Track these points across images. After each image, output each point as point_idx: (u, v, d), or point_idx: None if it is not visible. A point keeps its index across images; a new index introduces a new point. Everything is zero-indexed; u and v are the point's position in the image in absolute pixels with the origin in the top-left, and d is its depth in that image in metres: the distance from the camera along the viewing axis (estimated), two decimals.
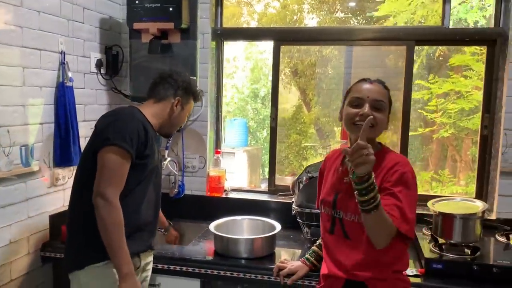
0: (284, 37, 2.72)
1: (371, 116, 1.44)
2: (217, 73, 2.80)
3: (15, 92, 1.96)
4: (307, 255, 1.87)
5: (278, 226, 2.17)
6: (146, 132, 1.68)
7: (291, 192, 2.48)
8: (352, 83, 1.62)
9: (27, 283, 2.08)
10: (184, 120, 1.94)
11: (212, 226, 2.16)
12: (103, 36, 2.56)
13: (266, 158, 5.45)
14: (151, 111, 1.81)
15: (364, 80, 1.55)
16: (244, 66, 7.34)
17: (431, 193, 3.62)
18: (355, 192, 1.35)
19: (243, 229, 2.30)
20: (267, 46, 5.49)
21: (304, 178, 2.26)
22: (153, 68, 2.47)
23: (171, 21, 2.35)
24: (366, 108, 1.47)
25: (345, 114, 1.53)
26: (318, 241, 1.85)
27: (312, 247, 1.90)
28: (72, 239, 1.73)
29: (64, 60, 2.22)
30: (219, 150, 2.77)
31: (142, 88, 2.49)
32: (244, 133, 5.84)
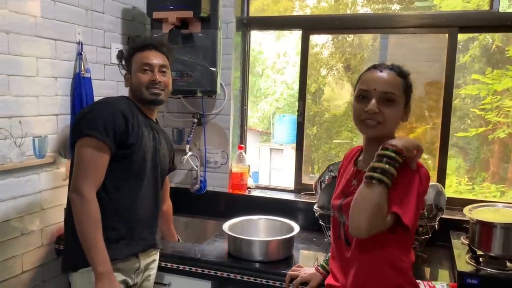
0: (313, 25, 2.54)
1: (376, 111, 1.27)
2: (242, 65, 2.67)
3: (27, 82, 1.93)
4: (322, 262, 1.71)
5: (296, 228, 2.02)
6: (126, 119, 1.58)
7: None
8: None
9: (40, 276, 2.06)
10: (139, 77, 1.69)
11: (226, 225, 2.04)
12: (126, 27, 2.51)
13: (316, 155, 5.31)
14: (130, 95, 1.75)
15: (374, 67, 1.35)
16: (294, 62, 7.20)
17: (480, 197, 3.30)
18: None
19: (259, 229, 2.16)
20: (320, 39, 5.30)
21: (327, 177, 2.09)
22: (175, 60, 2.38)
23: (190, 10, 2.25)
24: (371, 104, 1.27)
25: (352, 110, 1.36)
26: None
27: (329, 254, 1.72)
28: (67, 239, 1.67)
29: (82, 50, 2.18)
30: (242, 145, 2.64)
31: None
32: (293, 130, 5.74)
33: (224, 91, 2.53)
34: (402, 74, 1.33)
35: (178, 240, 2.17)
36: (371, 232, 1.18)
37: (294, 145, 5.28)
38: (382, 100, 1.28)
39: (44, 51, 2.00)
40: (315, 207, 2.13)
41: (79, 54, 2.18)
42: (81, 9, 2.19)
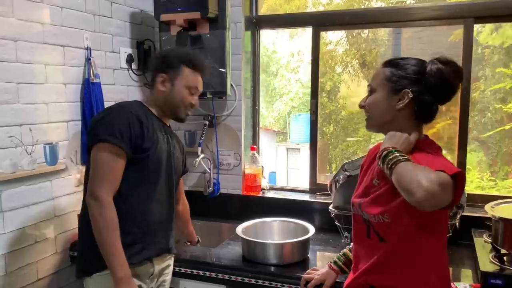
0: (324, 21, 2.49)
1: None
2: (252, 65, 2.64)
3: (36, 89, 1.93)
4: (335, 258, 1.65)
5: (311, 230, 1.97)
6: (141, 123, 1.56)
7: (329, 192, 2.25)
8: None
9: (55, 282, 2.06)
10: (184, 95, 1.68)
11: (239, 228, 2.01)
12: (134, 31, 2.50)
13: (333, 153, 5.25)
14: (150, 102, 1.71)
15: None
16: (309, 60, 7.11)
17: (503, 192, 3.18)
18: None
19: (273, 232, 2.12)
20: (334, 36, 5.23)
21: (341, 177, 2.03)
22: None
23: (197, 11, 2.23)
24: (361, 101, 1.39)
25: None
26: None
27: (344, 250, 1.67)
28: (81, 243, 1.66)
29: (90, 56, 2.17)
30: (255, 146, 2.60)
31: None
32: (309, 129, 5.71)
33: (234, 92, 2.49)
34: (388, 63, 1.34)
35: (198, 240, 2.13)
36: (436, 193, 1.06)
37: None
38: (368, 95, 1.36)
39: (53, 58, 2.00)
40: (330, 207, 2.08)
41: (88, 59, 2.17)
42: (89, 14, 2.18)
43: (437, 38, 2.64)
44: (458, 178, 1.11)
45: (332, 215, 2.10)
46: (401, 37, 2.64)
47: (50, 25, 1.98)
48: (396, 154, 1.19)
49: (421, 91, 1.28)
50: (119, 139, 1.50)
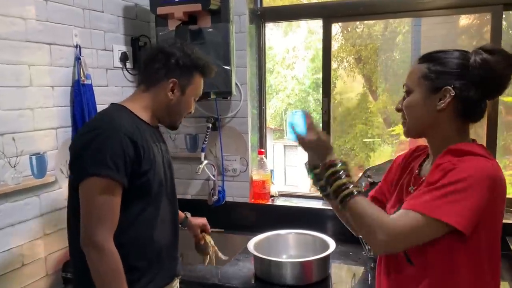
0: (335, 12, 2.28)
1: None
2: (258, 61, 2.43)
3: (20, 93, 1.71)
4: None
5: (331, 244, 1.77)
6: (135, 145, 1.29)
7: None
8: None
9: None
10: (191, 106, 1.47)
11: (251, 244, 1.81)
12: (128, 26, 2.28)
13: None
14: (141, 104, 1.40)
15: None
16: (304, 56, 7.01)
17: None
18: None
19: (289, 246, 1.92)
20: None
21: (363, 184, 1.83)
22: None
23: (197, 2, 2.01)
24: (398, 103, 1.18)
25: None
26: None
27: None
28: (74, 261, 1.42)
29: (80, 54, 1.96)
30: (262, 150, 2.39)
31: None
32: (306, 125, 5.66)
33: (239, 91, 2.28)
34: (424, 58, 1.14)
35: (186, 216, 1.77)
36: (394, 246, 1.04)
37: None
38: (404, 96, 1.17)
39: (37, 58, 1.78)
40: None
41: (78, 58, 1.95)
42: (77, 8, 1.96)
43: (459, 30, 2.45)
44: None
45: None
46: (421, 29, 2.43)
47: (34, 20, 1.76)
48: (347, 184, 1.08)
49: (465, 87, 1.08)
50: (113, 170, 1.23)
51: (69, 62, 1.93)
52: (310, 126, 1.17)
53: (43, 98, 1.81)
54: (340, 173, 1.10)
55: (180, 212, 1.71)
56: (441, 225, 0.99)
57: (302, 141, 1.18)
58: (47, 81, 1.83)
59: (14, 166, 1.68)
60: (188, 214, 1.77)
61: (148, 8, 2.18)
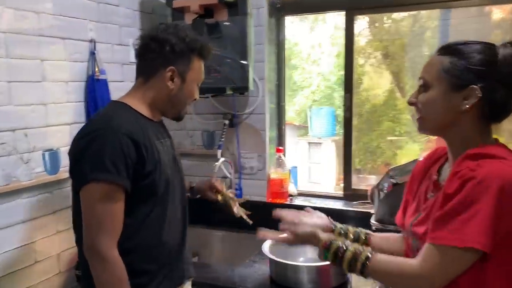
0: (358, 4, 2.17)
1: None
2: (277, 56, 2.35)
3: (32, 89, 1.69)
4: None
5: None
6: (136, 145, 1.21)
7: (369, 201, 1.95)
8: None
9: None
10: (194, 92, 1.37)
11: (266, 245, 1.74)
12: (144, 20, 2.23)
13: (356, 147, 5.02)
14: (141, 98, 1.32)
15: None
16: (330, 52, 6.93)
17: None
18: None
19: (306, 250, 1.83)
20: (356, 27, 4.94)
21: (386, 185, 1.73)
22: None
23: None
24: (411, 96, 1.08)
25: None
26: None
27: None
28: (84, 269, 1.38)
29: (95, 49, 1.92)
30: (281, 148, 2.31)
31: None
32: (331, 122, 5.65)
33: (257, 87, 2.21)
34: (446, 49, 1.03)
35: (191, 186, 1.70)
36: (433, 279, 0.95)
37: (333, 138, 4.98)
38: (419, 89, 1.08)
39: (51, 52, 1.75)
40: (372, 220, 1.79)
41: (92, 53, 1.92)
42: (92, 2, 1.93)
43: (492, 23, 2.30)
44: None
45: (374, 228, 1.81)
46: (450, 23, 2.30)
47: (47, 14, 1.73)
48: (355, 254, 1.03)
49: (493, 87, 0.97)
50: (113, 173, 1.15)
51: (83, 56, 1.90)
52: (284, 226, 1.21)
53: (57, 93, 1.78)
54: (341, 247, 1.05)
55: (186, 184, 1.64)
56: (474, 251, 0.90)
57: (290, 242, 1.20)
58: (61, 76, 1.80)
59: (27, 162, 1.66)
60: (194, 184, 1.70)
61: (165, 1, 2.13)
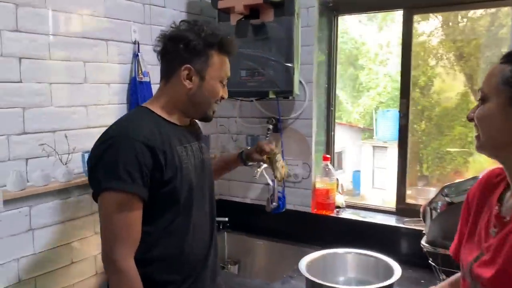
0: (418, 2, 1.98)
1: None
2: (327, 58, 2.21)
3: (73, 90, 1.70)
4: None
5: (397, 270, 1.52)
6: (152, 151, 1.15)
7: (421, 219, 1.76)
8: None
9: None
10: (217, 90, 1.28)
11: (303, 263, 1.61)
12: None
13: (425, 152, 4.73)
14: (162, 102, 1.27)
15: None
16: (398, 52, 6.67)
17: None
18: None
19: (347, 267, 1.70)
20: (427, 27, 4.66)
21: (440, 204, 1.55)
22: (244, 56, 2.01)
23: None
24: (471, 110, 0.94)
25: None
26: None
27: None
28: None
29: (138, 51, 1.91)
30: (328, 156, 2.17)
31: (231, 80, 2.05)
32: (398, 126, 5.48)
33: (304, 91, 2.09)
34: (509, 57, 0.87)
35: (241, 154, 1.64)
36: None
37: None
38: (478, 102, 0.93)
39: (93, 54, 1.76)
40: (423, 242, 1.60)
41: (135, 55, 1.91)
42: (137, 3, 1.92)
43: None
44: None
45: (424, 250, 1.62)
46: None
47: (90, 16, 1.73)
48: None
49: None
50: (127, 182, 1.11)
51: (126, 58, 1.89)
52: None
53: (98, 95, 1.79)
54: None
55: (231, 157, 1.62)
56: None
57: None
58: (103, 78, 1.80)
59: (66, 164, 1.67)
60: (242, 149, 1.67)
61: (210, 2, 2.08)
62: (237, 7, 1.93)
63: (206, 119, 1.34)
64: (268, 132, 2.14)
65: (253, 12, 1.97)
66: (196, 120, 1.44)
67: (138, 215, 1.16)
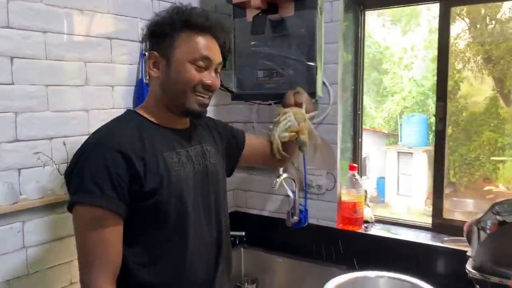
0: None
1: None
2: (354, 57, 2.01)
3: (73, 93, 1.54)
4: None
5: None
6: (127, 160, 1.00)
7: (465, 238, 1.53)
8: None
9: None
10: (189, 74, 1.08)
11: (330, 286, 1.41)
12: None
13: (451, 158, 4.51)
14: (146, 102, 1.16)
15: None
16: (424, 56, 6.52)
17: None
18: None
19: None
20: (453, 29, 4.45)
21: (489, 223, 1.32)
22: (261, 55, 1.83)
23: None
24: None
25: None
26: None
27: None
28: None
29: (146, 50, 1.75)
30: (355, 165, 1.96)
31: (247, 82, 1.89)
32: (424, 131, 5.34)
33: (328, 93, 1.89)
34: None
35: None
36: None
37: (425, 148, 4.54)
38: None
39: (96, 54, 1.60)
40: (468, 267, 1.38)
41: (143, 55, 1.74)
42: None
43: None
44: None
45: (469, 276, 1.39)
46: None
47: (92, 12, 1.58)
48: None
49: None
50: (97, 194, 0.97)
51: (133, 58, 1.73)
52: None
53: (101, 99, 1.63)
54: None
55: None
56: None
57: None
58: (106, 79, 1.65)
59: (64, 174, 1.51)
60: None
61: None
62: (254, 1, 1.74)
63: (191, 113, 1.14)
64: None
65: (271, 6, 1.78)
66: (205, 121, 1.30)
67: (115, 233, 1.00)
